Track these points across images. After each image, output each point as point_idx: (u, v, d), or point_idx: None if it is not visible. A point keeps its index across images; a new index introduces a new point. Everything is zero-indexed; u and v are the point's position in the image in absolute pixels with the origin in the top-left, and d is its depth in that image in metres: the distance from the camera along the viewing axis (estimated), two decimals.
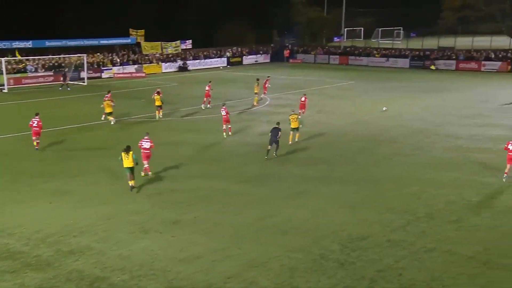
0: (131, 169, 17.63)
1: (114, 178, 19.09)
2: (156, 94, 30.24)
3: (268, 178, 19.32)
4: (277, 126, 21.98)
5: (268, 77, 39.18)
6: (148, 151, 19.27)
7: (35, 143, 22.91)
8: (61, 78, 43.01)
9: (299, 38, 72.33)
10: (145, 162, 19.23)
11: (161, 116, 29.84)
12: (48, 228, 14.67)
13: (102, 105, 28.78)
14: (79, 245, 13.59)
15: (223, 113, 25.73)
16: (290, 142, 24.00)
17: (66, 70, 45.11)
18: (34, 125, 22.88)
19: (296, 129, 24.39)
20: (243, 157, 22.19)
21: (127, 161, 17.53)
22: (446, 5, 72.50)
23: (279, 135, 21.70)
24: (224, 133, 25.89)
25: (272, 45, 71.40)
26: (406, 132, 26.88)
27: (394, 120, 29.53)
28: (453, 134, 26.38)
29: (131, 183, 17.76)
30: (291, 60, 66.10)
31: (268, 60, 67.04)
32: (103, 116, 28.95)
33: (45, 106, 33.46)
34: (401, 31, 79.28)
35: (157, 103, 29.88)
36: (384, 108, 32.46)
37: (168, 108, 33.10)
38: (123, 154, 17.58)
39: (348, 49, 66.85)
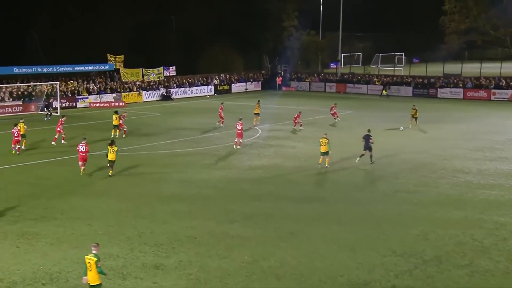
0: (113, 162, 24.16)
1: (87, 218, 18.98)
2: (114, 114, 34.45)
3: (258, 216, 19.32)
4: (368, 133, 26.81)
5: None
6: (84, 154, 24.54)
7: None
8: (45, 109, 43.97)
9: (292, 64, 73.32)
10: (80, 162, 24.56)
11: (116, 136, 33.14)
12: (13, 276, 14.49)
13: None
14: None
15: (238, 127, 30.18)
16: (320, 162, 26.26)
17: (51, 100, 45.47)
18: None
19: (326, 153, 25.95)
20: (230, 194, 22.20)
21: (111, 155, 23.98)
22: (450, 28, 74.05)
23: (371, 140, 26.46)
24: (235, 146, 30.47)
25: (263, 71, 72.22)
26: (409, 166, 27.10)
27: (395, 153, 29.81)
28: (461, 168, 26.65)
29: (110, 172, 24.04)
30: (283, 88, 66.78)
31: (259, 88, 67.69)
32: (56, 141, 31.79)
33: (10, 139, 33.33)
34: (403, 57, 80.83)
35: (115, 122, 33.90)
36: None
37: (149, 141, 33.19)
38: (108, 147, 24.03)
39: (345, 76, 67.84)
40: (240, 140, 30.97)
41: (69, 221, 18.77)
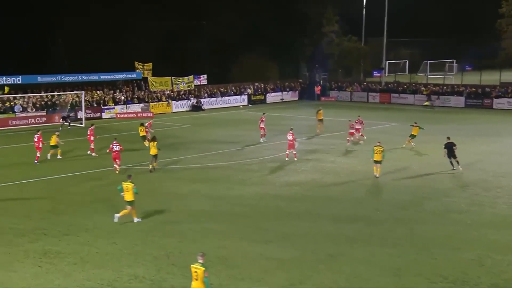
0: (156, 157, 28.76)
1: (112, 236, 19.21)
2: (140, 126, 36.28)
3: (295, 236, 19.21)
4: (449, 140, 28.34)
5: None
6: (118, 153, 28.13)
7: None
8: (64, 120, 45.75)
9: (332, 72, 73.11)
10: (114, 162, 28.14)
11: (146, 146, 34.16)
12: None
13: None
14: None
15: (289, 138, 30.91)
16: (376, 174, 27.11)
17: (71, 114, 47.01)
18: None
19: (379, 162, 26.75)
20: (265, 212, 22.16)
21: (153, 150, 28.46)
22: (508, 32, 72.66)
23: (455, 147, 28.07)
24: (287, 158, 31.24)
25: (300, 80, 72.27)
26: (460, 184, 26.61)
27: (444, 169, 29.30)
28: None
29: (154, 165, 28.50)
30: (322, 98, 66.59)
31: (295, 98, 67.71)
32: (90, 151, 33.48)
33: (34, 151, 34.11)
34: (454, 64, 79.56)
35: (141, 133, 35.84)
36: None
37: (178, 154, 33.49)
38: (150, 143, 28.88)
39: (390, 85, 67.27)
40: (294, 152, 31.53)
41: (93, 239, 19.03)
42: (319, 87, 67.75)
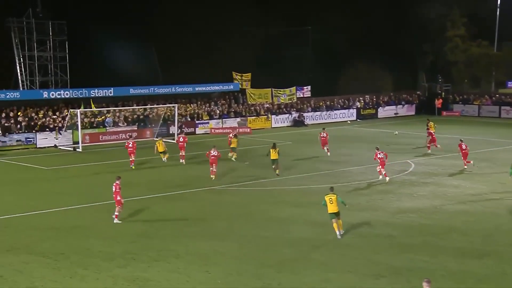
0: (277, 161, 33.11)
1: (205, 264, 19.56)
2: (232, 137, 39.44)
3: (410, 272, 18.68)
4: None
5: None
6: (215, 158, 32.25)
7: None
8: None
9: (456, 83, 71.05)
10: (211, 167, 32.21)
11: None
12: None
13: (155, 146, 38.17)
14: None
15: (380, 156, 31.69)
16: None
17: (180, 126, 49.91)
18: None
19: None
20: (375, 242, 21.78)
21: (274, 155, 32.89)
22: None
23: None
24: (380, 176, 31.89)
25: (418, 92, 70.92)
26: None
27: None
28: None
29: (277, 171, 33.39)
30: (444, 113, 65.28)
31: (412, 113, 66.57)
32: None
33: (126, 168, 35.63)
34: None
35: (233, 145, 38.70)
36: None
37: (276, 175, 33.72)
38: (271, 150, 32.94)
39: None
40: (384, 172, 31.99)
41: (184, 266, 19.46)
42: (441, 100, 66.17)
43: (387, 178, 31.54)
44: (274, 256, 20.34)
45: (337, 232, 22.10)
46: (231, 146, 38.79)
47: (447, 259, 20.01)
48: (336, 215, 22.07)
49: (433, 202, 27.61)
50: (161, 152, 38.04)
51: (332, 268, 19.18)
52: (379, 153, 31.84)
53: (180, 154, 38.17)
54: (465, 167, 34.69)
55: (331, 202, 22.00)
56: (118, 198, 24.27)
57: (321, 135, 40.25)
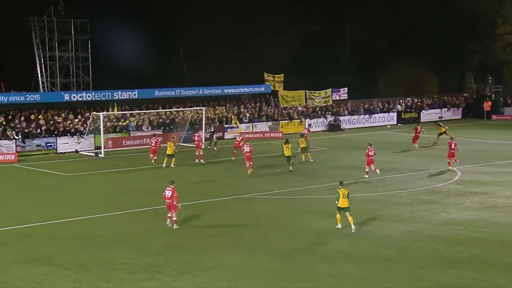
0: (290, 158, 36.06)
1: (234, 278, 19.56)
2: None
3: None
4: None
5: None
6: (249, 154, 35.61)
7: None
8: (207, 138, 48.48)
9: (508, 84, 70.16)
10: (247, 162, 35.58)
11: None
12: None
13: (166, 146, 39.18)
14: None
15: (371, 153, 33.97)
16: None
17: (212, 130, 49.34)
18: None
19: None
20: (418, 256, 21.57)
21: (287, 151, 35.54)
22: None
23: None
24: (366, 176, 34.48)
25: (465, 95, 70.19)
26: None
27: None
28: None
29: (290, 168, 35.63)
30: (494, 117, 64.75)
31: (458, 116, 66.06)
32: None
33: (151, 174, 35.86)
34: None
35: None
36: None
37: (312, 182, 33.64)
38: (284, 146, 35.81)
39: None
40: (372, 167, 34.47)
41: (212, 280, 19.46)
42: (490, 103, 65.48)
43: (378, 171, 34.48)
44: (308, 269, 20.26)
45: (339, 225, 24.31)
46: (301, 146, 39.78)
47: (498, 275, 19.71)
48: (345, 210, 23.84)
49: (482, 213, 27.26)
50: (168, 155, 38.36)
51: (371, 283, 19.03)
52: (371, 150, 34.21)
53: (198, 153, 40.22)
54: (450, 167, 36.52)
55: (344, 196, 23.80)
56: (175, 203, 24.82)
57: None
